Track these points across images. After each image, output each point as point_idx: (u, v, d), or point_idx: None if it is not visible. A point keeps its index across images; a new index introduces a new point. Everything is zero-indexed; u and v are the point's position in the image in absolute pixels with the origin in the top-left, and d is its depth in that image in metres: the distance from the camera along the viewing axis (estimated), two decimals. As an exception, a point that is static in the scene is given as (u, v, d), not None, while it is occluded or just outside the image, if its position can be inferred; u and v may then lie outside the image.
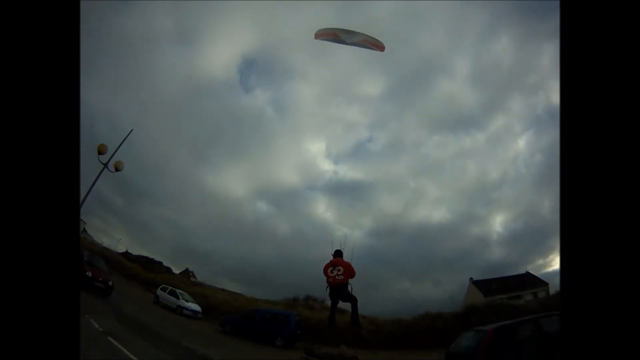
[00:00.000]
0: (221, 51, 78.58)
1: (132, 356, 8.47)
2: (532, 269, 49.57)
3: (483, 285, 46.24)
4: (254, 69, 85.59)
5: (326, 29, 12.74)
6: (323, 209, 78.44)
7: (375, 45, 12.52)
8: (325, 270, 8.51)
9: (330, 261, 8.58)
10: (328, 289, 8.45)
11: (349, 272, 8.37)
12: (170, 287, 24.08)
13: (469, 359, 7.85)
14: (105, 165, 15.08)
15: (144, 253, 44.08)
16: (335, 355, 6.65)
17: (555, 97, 68.95)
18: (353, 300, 8.47)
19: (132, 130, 17.41)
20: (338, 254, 8.78)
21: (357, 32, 12.46)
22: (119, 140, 16.50)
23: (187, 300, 22.84)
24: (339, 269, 8.37)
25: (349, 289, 8.43)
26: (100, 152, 14.75)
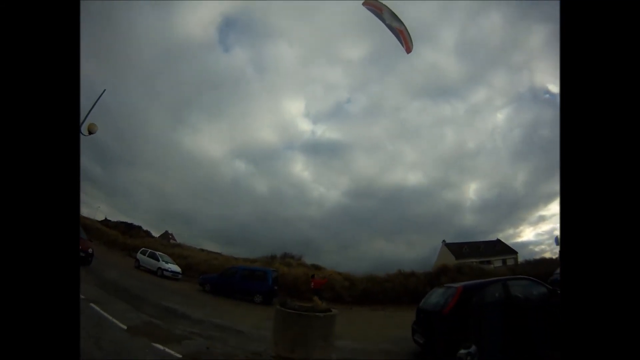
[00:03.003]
0: (199, 9, 75.16)
1: (113, 319, 9.03)
2: (502, 237, 51.15)
3: (455, 248, 47.54)
4: (234, 27, 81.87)
5: (377, 1, 12.81)
6: (300, 168, 78.22)
7: (406, 41, 12.68)
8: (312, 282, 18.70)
9: (312, 281, 18.77)
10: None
11: (316, 283, 18.18)
12: (150, 250, 24.21)
13: (438, 314, 8.06)
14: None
15: (123, 219, 43.57)
16: (309, 307, 7.20)
17: (539, 77, 69.12)
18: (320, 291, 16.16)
19: (104, 90, 16.97)
20: (312, 276, 19.60)
21: (400, 21, 12.53)
22: (91, 104, 16.02)
23: (167, 262, 23.06)
24: (313, 282, 18.42)
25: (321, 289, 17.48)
26: (72, 116, 14.10)
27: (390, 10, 12.53)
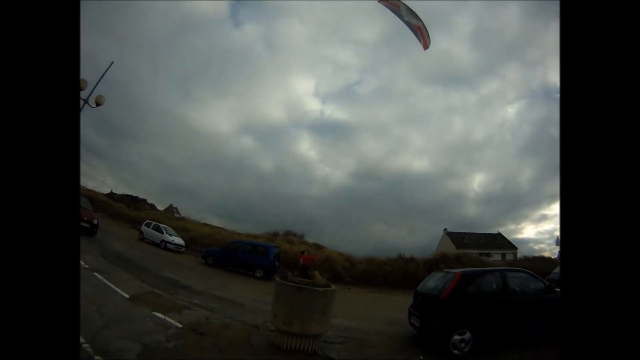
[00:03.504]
0: None
1: (116, 288, 9.19)
2: (503, 231, 51.51)
3: (456, 238, 48.03)
4: (245, 2, 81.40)
5: None
6: (307, 147, 78.65)
7: (423, 37, 12.56)
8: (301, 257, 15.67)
9: (301, 256, 15.44)
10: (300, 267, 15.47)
11: (305, 260, 14.52)
12: (154, 223, 24.50)
13: (435, 299, 8.05)
14: (86, 101, 14.34)
15: (129, 192, 44.18)
16: (309, 282, 7.30)
17: (552, 76, 68.20)
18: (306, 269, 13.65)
19: (112, 62, 16.66)
20: (302, 252, 16.47)
21: (418, 17, 12.41)
22: (98, 76, 15.70)
23: (170, 235, 23.33)
24: (302, 259, 15.04)
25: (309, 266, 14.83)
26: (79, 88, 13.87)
27: (407, 6, 12.39)
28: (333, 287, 7.22)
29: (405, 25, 12.79)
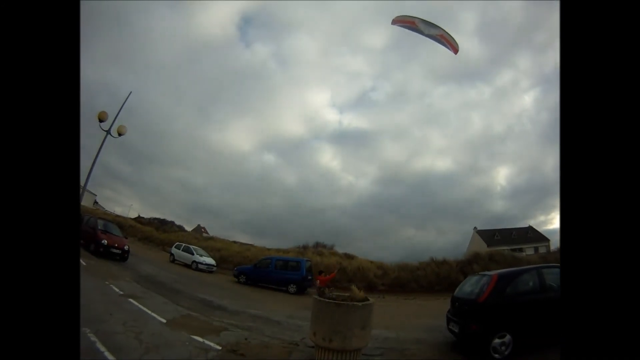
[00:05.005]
0: (218, 8, 76.00)
1: (152, 313, 9.24)
2: (533, 224, 50.25)
3: (487, 235, 47.30)
4: (253, 23, 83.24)
5: (405, 16, 12.80)
6: (329, 158, 79.04)
7: (450, 43, 12.59)
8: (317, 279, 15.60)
9: (317, 278, 15.52)
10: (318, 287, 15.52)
11: (322, 281, 14.67)
12: (184, 244, 24.87)
13: (472, 303, 7.99)
14: (108, 131, 14.93)
15: (156, 215, 45.13)
16: (347, 297, 7.19)
17: None
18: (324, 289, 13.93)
19: (130, 92, 17.26)
20: (320, 273, 16.44)
21: (436, 26, 12.44)
22: (119, 107, 16.27)
23: (201, 255, 23.64)
24: (318, 280, 14.95)
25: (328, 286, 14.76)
26: (101, 120, 14.50)
27: (423, 20, 12.36)
28: (371, 300, 7.09)
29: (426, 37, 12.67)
